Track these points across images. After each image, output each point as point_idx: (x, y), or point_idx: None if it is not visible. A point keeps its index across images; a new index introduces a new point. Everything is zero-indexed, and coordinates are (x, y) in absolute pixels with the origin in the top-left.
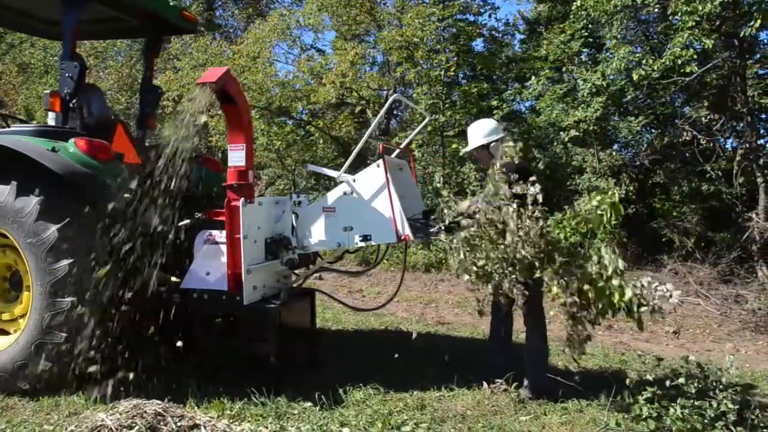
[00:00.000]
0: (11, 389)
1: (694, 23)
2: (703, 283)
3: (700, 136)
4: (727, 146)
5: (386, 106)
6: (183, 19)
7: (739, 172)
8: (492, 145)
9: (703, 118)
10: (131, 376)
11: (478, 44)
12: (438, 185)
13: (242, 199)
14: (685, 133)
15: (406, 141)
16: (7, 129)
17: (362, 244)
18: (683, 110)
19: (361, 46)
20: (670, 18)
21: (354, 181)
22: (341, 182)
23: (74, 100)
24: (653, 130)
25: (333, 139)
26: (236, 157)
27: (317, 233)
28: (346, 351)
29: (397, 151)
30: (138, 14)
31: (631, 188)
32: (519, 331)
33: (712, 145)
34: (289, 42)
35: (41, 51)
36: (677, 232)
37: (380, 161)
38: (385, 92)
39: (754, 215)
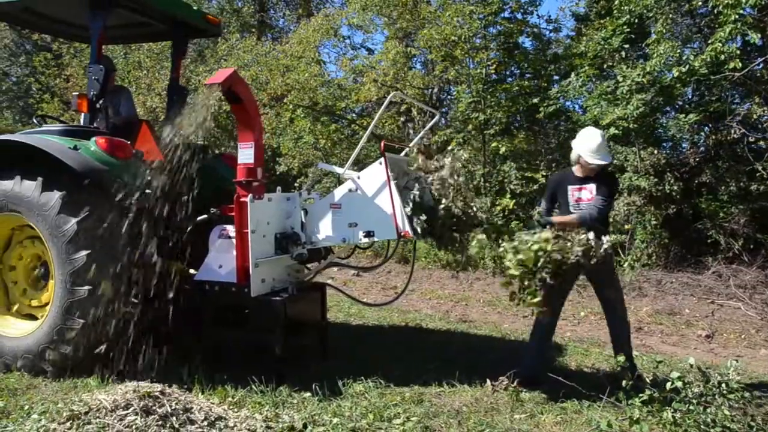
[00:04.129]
0: (36, 370)
1: (737, 16)
2: (747, 286)
3: (749, 134)
4: None
5: (385, 104)
6: (206, 21)
7: None
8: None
9: (754, 115)
10: (143, 361)
11: (525, 42)
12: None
13: (250, 195)
14: (733, 131)
15: (415, 140)
16: (38, 129)
17: (365, 240)
18: (741, 107)
19: (402, 45)
20: (714, 11)
21: (358, 178)
22: (346, 179)
23: (101, 101)
24: (706, 128)
25: (376, 137)
26: (245, 154)
27: (324, 229)
28: (359, 345)
29: (406, 150)
30: (162, 19)
31: (675, 188)
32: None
33: (765, 142)
34: (334, 42)
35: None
36: (723, 233)
37: (382, 159)
38: (429, 91)
39: None
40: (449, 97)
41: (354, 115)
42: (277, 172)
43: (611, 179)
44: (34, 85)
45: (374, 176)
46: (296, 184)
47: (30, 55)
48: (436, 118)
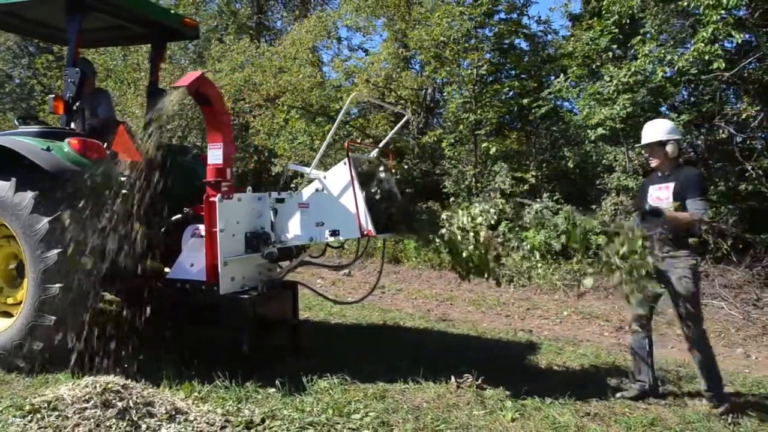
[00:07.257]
0: (10, 366)
1: (719, 17)
2: (733, 286)
3: (735, 133)
4: None
5: (346, 105)
6: (184, 25)
7: None
8: (670, 143)
9: (743, 114)
10: (113, 357)
11: (521, 43)
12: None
13: (219, 195)
14: (721, 131)
15: (384, 141)
16: (15, 130)
17: (331, 238)
18: (734, 107)
19: (393, 46)
20: (696, 12)
21: (325, 178)
22: (313, 179)
23: (77, 103)
24: (702, 129)
25: (368, 138)
26: (214, 155)
27: (293, 228)
28: (335, 343)
29: (375, 150)
30: (139, 22)
31: None
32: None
33: (753, 142)
34: (327, 43)
35: (103, 56)
36: (712, 233)
37: (346, 159)
38: (423, 92)
39: None
40: (444, 97)
41: (349, 116)
42: (273, 173)
43: (692, 173)
44: (36, 87)
45: (339, 176)
46: (292, 185)
47: (33, 57)
48: (405, 118)
